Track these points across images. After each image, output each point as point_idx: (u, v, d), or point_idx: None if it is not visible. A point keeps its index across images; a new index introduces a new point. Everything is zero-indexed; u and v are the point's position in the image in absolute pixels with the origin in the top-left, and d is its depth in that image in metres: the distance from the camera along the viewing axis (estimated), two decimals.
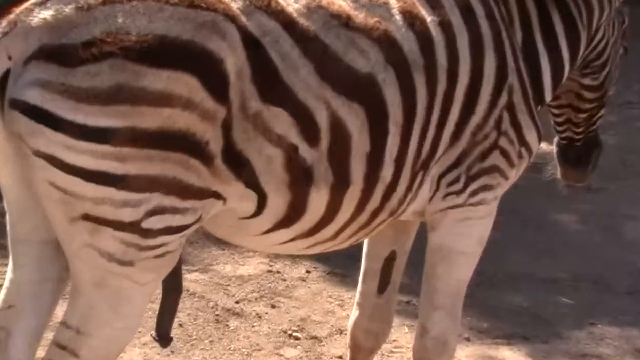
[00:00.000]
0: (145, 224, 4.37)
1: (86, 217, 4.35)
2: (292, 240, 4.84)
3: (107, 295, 4.50)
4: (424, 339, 5.38)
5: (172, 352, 6.75)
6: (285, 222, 4.74)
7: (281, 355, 6.84)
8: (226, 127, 4.42)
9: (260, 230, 4.76)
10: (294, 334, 7.05)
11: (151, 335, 4.87)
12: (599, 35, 5.76)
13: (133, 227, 4.38)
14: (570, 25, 5.51)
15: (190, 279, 7.52)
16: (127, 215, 4.35)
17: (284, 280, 7.67)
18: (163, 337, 4.96)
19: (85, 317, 4.55)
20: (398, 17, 4.86)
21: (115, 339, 4.68)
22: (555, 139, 6.22)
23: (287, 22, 4.57)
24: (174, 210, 4.42)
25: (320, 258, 7.30)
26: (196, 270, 7.65)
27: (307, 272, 7.70)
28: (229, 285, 7.59)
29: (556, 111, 6.03)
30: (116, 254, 4.41)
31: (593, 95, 5.92)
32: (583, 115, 5.98)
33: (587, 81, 5.86)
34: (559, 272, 8.10)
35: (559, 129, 6.12)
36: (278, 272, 7.77)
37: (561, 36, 5.49)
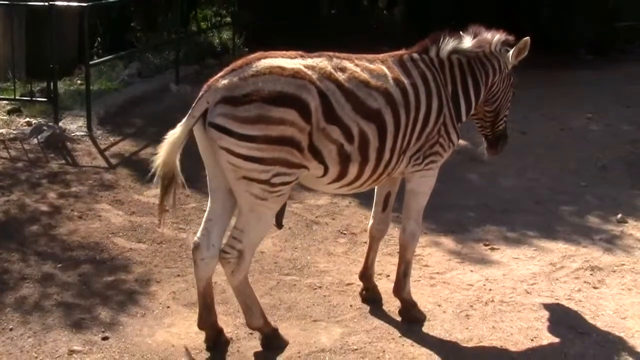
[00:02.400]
0: (272, 180, 4.59)
1: (245, 177, 4.58)
2: (340, 187, 4.99)
3: (255, 214, 4.66)
4: (404, 233, 5.39)
5: (286, 241, 6.72)
6: (337, 179, 4.89)
7: (338, 242, 6.81)
8: (310, 135, 4.62)
9: (325, 183, 4.92)
10: (343, 232, 7.02)
11: (273, 224, 4.92)
12: (494, 86, 5.56)
13: (267, 182, 4.59)
14: (476, 84, 5.41)
15: (295, 207, 7.45)
16: (264, 176, 4.56)
17: (339, 207, 7.55)
18: (278, 225, 5.00)
19: (245, 224, 4.70)
20: (391, 81, 4.95)
21: (259, 234, 4.87)
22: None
23: (339, 84, 4.73)
24: (285, 174, 4.62)
25: (356, 196, 7.21)
26: (297, 202, 7.55)
27: (350, 202, 7.58)
28: (312, 209, 7.50)
29: (476, 122, 5.86)
30: (259, 194, 4.58)
31: (490, 114, 5.73)
32: (488, 123, 5.81)
33: (487, 107, 5.69)
34: (468, 200, 7.94)
35: (480, 130, 5.93)
36: (336, 203, 7.63)
37: (471, 89, 5.38)
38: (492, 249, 6.73)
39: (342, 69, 4.77)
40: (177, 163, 4.58)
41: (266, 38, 11.24)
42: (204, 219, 4.86)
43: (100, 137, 9.35)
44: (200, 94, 4.55)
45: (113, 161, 8.59)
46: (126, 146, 9.16)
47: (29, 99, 9.84)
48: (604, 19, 15.10)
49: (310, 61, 4.71)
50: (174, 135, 4.54)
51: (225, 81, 4.49)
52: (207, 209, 4.85)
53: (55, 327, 5.18)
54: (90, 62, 9.97)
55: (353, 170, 4.81)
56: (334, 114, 4.62)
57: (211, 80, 4.58)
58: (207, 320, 4.98)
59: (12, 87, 10.20)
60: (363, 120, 4.74)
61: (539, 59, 13.54)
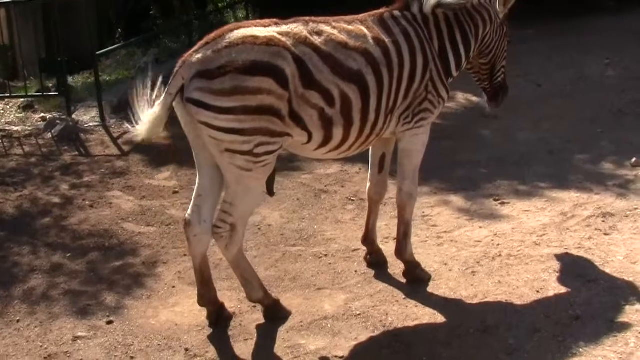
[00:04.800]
0: (255, 151, 4.55)
1: (227, 150, 4.55)
2: (328, 152, 4.93)
3: (243, 186, 4.63)
4: (400, 193, 5.32)
5: (294, 212, 6.72)
6: (323, 144, 4.83)
7: (346, 209, 6.75)
8: (289, 102, 4.57)
9: (312, 149, 4.87)
10: (352, 198, 6.95)
11: (264, 192, 4.88)
12: (486, 38, 5.45)
13: (250, 153, 4.54)
14: (465, 37, 5.29)
15: (304, 178, 7.45)
16: (246, 147, 4.52)
17: (348, 174, 7.48)
18: (270, 192, 4.95)
19: (233, 197, 4.67)
20: (371, 40, 4.87)
21: (249, 207, 4.85)
22: None
23: (315, 48, 4.67)
24: (268, 143, 4.57)
25: (365, 161, 7.00)
26: (307, 173, 7.55)
27: (360, 169, 7.47)
28: (321, 178, 7.46)
29: (473, 75, 5.78)
30: (243, 166, 4.55)
31: (486, 67, 5.64)
32: (484, 76, 5.71)
33: (482, 60, 5.59)
34: (480, 156, 7.78)
35: (477, 83, 5.83)
36: (345, 170, 7.56)
37: (460, 43, 5.27)
38: (502, 203, 6.61)
39: (319, 33, 4.69)
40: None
41: (280, 13, 11.10)
42: (193, 195, 4.82)
43: (113, 126, 9.37)
44: (175, 70, 4.51)
45: (125, 148, 8.61)
46: None
47: (41, 94, 9.90)
48: None
49: (284, 28, 4.64)
50: (153, 114, 4.51)
51: (199, 55, 4.45)
52: (196, 184, 4.82)
53: (61, 315, 5.23)
54: (97, 52, 9.95)
55: (338, 133, 4.73)
56: (312, 78, 4.54)
57: (185, 55, 4.55)
58: (207, 297, 4.97)
59: (28, 84, 10.29)
60: (343, 82, 4.65)
61: (555, 9, 13.36)
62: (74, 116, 9.50)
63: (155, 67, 12.18)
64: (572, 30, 12.69)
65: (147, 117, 4.51)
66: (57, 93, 9.80)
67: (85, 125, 9.31)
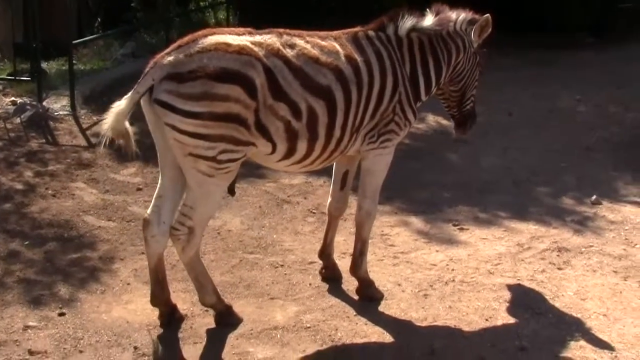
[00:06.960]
0: (219, 157, 4.60)
1: (191, 154, 4.59)
2: (291, 164, 4.99)
3: (204, 191, 4.68)
4: (359, 212, 5.40)
5: (255, 219, 6.80)
6: (287, 156, 4.88)
7: (306, 221, 6.85)
8: (256, 112, 4.63)
9: (275, 160, 4.91)
10: (313, 211, 7.03)
11: (225, 194, 5.02)
12: (459, 66, 5.56)
13: (213, 159, 4.60)
14: (437, 63, 5.41)
15: (268, 186, 7.53)
16: (210, 153, 4.57)
17: (312, 186, 7.57)
18: (231, 192, 5.07)
19: (194, 201, 4.72)
20: (343, 58, 4.95)
21: (208, 211, 4.89)
22: None
23: (286, 60, 4.73)
24: (232, 151, 4.63)
25: (330, 175, 7.14)
26: (271, 181, 7.62)
27: (324, 182, 7.48)
28: (285, 188, 7.52)
29: (442, 101, 5.89)
30: (206, 171, 4.60)
31: (456, 94, 5.74)
32: (454, 103, 5.82)
33: (452, 87, 5.70)
34: (445, 179, 7.93)
35: (447, 109, 5.93)
36: (310, 183, 7.64)
37: (431, 68, 5.38)
38: (461, 229, 6.73)
39: (292, 46, 4.78)
40: (128, 127, 4.61)
41: (261, 16, 11.18)
42: (154, 196, 4.89)
43: (83, 116, 9.39)
44: (146, 70, 4.58)
45: (93, 140, 8.62)
46: None
47: (13, 78, 9.89)
48: (606, 0, 14.85)
49: (258, 38, 4.73)
50: (119, 106, 4.57)
51: (170, 58, 4.52)
52: (158, 185, 4.89)
53: (13, 304, 5.25)
54: (74, 42, 9.98)
55: (302, 147, 4.82)
56: (281, 90, 4.63)
57: (157, 56, 4.62)
58: (160, 297, 5.03)
59: (1, 67, 10.28)
60: (312, 96, 4.74)
61: (537, 41, 13.56)
62: (44, 103, 9.49)
63: (132, 61, 12.27)
64: (549, 63, 12.90)
65: (113, 110, 4.59)
66: (29, 78, 9.78)
67: (55, 113, 9.30)
